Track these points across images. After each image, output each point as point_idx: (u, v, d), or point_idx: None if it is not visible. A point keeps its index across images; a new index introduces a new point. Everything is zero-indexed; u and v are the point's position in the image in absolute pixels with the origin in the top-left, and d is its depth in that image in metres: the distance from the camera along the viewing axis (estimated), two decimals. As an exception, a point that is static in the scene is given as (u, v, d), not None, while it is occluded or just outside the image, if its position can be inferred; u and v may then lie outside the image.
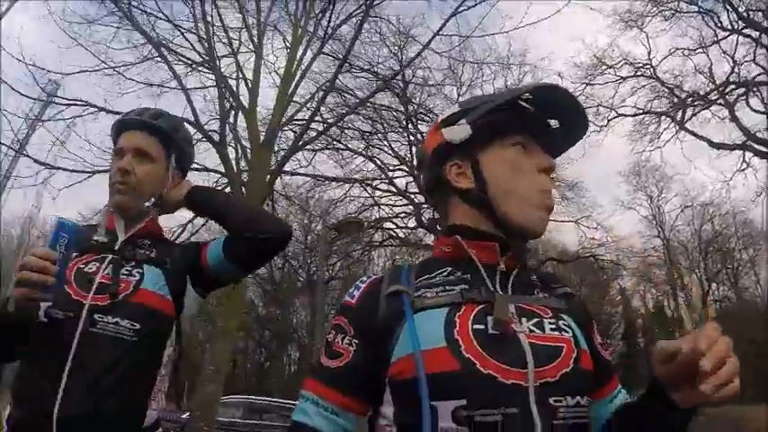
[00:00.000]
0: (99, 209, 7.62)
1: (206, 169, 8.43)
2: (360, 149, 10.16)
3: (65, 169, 7.46)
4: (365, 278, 1.04)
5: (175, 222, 8.15)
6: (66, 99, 7.74)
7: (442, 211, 1.08)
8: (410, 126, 10.52)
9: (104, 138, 7.52)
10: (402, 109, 10.09)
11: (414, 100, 10.25)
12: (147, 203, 1.44)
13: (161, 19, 8.12)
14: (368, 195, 10.43)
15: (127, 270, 1.33)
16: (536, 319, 0.88)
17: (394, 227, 11.78)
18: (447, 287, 0.92)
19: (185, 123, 6.02)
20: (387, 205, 10.72)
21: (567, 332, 0.89)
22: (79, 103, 7.55)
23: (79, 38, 7.80)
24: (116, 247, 1.38)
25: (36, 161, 7.32)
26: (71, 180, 7.40)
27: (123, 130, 1.46)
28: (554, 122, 1.04)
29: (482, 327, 0.85)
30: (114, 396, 1.23)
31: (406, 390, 0.85)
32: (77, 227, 1.22)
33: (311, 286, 20.18)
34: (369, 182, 10.19)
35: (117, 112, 7.32)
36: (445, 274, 0.95)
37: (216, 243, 1.44)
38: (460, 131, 0.99)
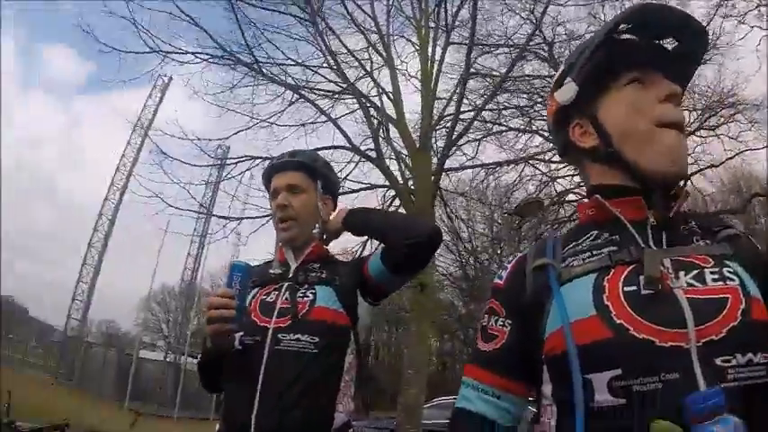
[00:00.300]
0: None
1: (372, 186, 8.89)
2: (522, 126, 9.76)
3: (247, 218, 8.54)
4: (511, 258, 1.04)
5: (357, 241, 8.82)
6: (233, 158, 8.84)
7: (582, 174, 1.05)
8: (567, 87, 9.66)
9: None
10: (553, 72, 9.25)
11: (562, 59, 9.44)
12: (313, 231, 1.67)
13: (291, 65, 8.89)
14: (541, 172, 9.95)
15: (302, 293, 1.52)
16: (695, 271, 0.80)
17: (577, 198, 11.07)
18: (594, 252, 0.88)
19: (340, 148, 6.50)
20: (565, 177, 10.08)
21: (734, 280, 0.78)
22: (245, 158, 8.56)
23: (227, 104, 8.94)
24: (290, 275, 1.58)
25: (222, 217, 8.60)
26: (255, 225, 8.42)
27: (272, 175, 1.69)
28: (668, 43, 0.95)
29: (634, 288, 0.80)
30: (300, 405, 1.38)
31: (559, 365, 0.82)
32: (247, 265, 1.44)
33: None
34: (539, 157, 9.73)
35: (275, 157, 8.34)
36: (592, 238, 0.91)
37: (375, 256, 1.56)
38: (567, 91, 0.97)
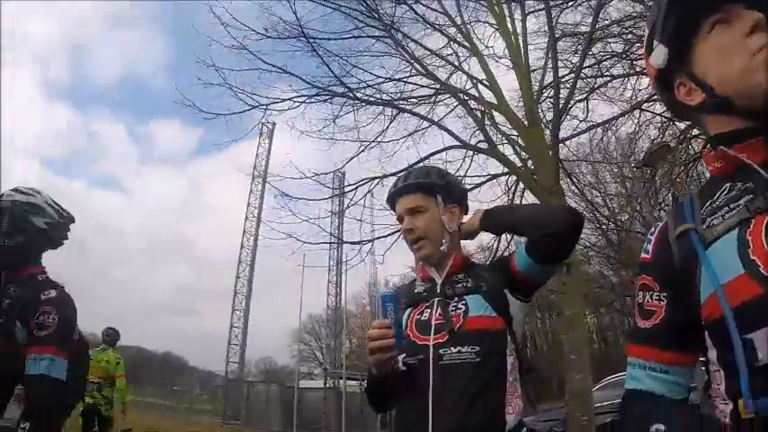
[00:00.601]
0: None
1: (492, 176, 8.81)
2: (625, 72, 9.11)
3: (378, 238, 8.80)
4: (653, 229, 1.03)
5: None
6: (352, 184, 9.11)
7: (702, 129, 1.03)
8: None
9: None
10: (641, 8, 8.70)
11: (646, -8, 8.80)
12: (442, 247, 1.69)
13: (382, 82, 9.07)
14: (658, 113, 9.27)
15: (453, 305, 1.58)
16: None
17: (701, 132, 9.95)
18: (731, 205, 0.85)
19: (452, 148, 6.45)
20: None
21: None
22: (363, 181, 8.82)
23: (334, 135, 9.25)
24: (438, 290, 1.66)
25: (354, 243, 8.95)
26: (388, 243, 8.69)
27: (395, 201, 1.78)
28: None
29: None
30: (473, 414, 1.44)
31: (718, 329, 0.82)
32: (394, 294, 1.58)
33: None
34: (653, 101, 9.09)
35: (394, 173, 8.46)
36: (726, 191, 0.88)
37: (520, 250, 1.59)
38: (658, 55, 0.98)
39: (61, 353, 1.84)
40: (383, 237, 8.64)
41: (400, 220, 1.75)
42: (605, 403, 8.69)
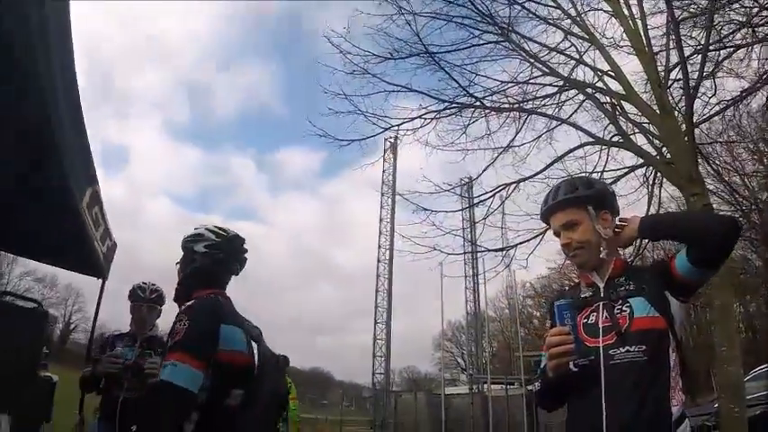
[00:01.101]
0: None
1: (630, 169, 8.71)
2: (749, 41, 8.34)
3: (520, 243, 8.79)
4: None
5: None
6: (489, 191, 9.20)
7: None
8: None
9: (529, 201, 8.78)
10: None
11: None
12: (601, 254, 1.83)
13: (509, 87, 9.23)
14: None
15: (618, 308, 1.73)
16: None
17: None
18: None
19: (586, 145, 6.58)
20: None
21: None
22: (500, 188, 8.94)
23: (466, 145, 9.44)
24: (602, 294, 1.80)
25: (497, 250, 9.14)
26: (530, 247, 8.72)
27: (549, 217, 1.95)
28: None
29: None
30: (643, 409, 1.57)
31: None
32: (567, 302, 1.74)
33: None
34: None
35: (528, 177, 8.72)
36: None
37: (680, 255, 1.69)
38: None
39: (187, 359, 1.81)
40: (525, 242, 8.71)
41: (557, 235, 1.92)
42: (756, 395, 8.34)
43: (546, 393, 1.85)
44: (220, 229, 2.29)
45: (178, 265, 2.28)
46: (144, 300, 3.75)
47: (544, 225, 8.33)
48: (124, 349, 3.60)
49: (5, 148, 2.90)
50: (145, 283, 3.82)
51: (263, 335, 2.28)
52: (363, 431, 30.25)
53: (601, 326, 1.72)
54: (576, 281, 2.00)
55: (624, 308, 1.71)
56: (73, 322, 44.40)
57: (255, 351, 2.14)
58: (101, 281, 5.19)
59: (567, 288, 2.24)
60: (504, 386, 25.69)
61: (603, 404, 1.61)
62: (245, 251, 2.36)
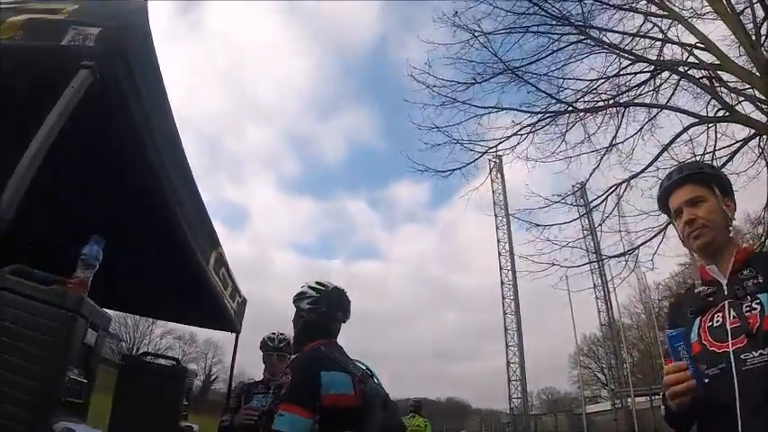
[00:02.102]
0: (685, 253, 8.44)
1: (743, 142, 8.12)
2: None
3: (642, 244, 8.50)
4: None
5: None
6: (600, 195, 9.02)
7: None
8: None
9: (644, 198, 8.46)
10: None
11: None
12: (731, 233, 1.68)
13: (600, 84, 9.10)
14: None
15: (747, 306, 1.50)
16: None
17: None
18: None
19: (693, 126, 7.34)
20: None
21: None
22: (611, 189, 8.75)
23: (568, 152, 9.28)
24: (725, 292, 1.59)
25: (618, 255, 8.93)
26: (653, 246, 8.39)
27: (668, 198, 1.77)
28: None
29: None
30: None
31: None
32: (679, 332, 1.54)
33: None
34: None
35: (639, 173, 8.43)
36: None
37: None
38: None
39: (292, 408, 2.05)
40: (647, 241, 8.40)
41: (678, 214, 1.72)
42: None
43: (672, 420, 1.68)
44: (319, 284, 2.54)
45: (293, 323, 2.53)
46: (274, 349, 4.01)
47: (664, 221, 7.87)
48: (259, 399, 3.87)
49: (136, 226, 3.39)
50: (274, 334, 4.07)
51: (374, 374, 2.42)
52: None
53: (729, 328, 1.51)
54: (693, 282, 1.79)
55: (754, 305, 1.49)
56: (213, 374, 47.80)
57: (362, 392, 2.23)
58: (234, 334, 5.71)
59: (682, 292, 1.97)
60: (648, 398, 23.91)
61: (739, 416, 1.41)
62: (347, 299, 2.58)
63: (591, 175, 9.28)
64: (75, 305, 2.38)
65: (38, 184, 1.91)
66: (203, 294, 4.45)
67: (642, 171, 8.52)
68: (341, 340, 2.51)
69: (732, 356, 1.46)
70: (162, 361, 5.19)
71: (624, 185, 8.65)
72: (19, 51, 2.23)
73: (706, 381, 1.48)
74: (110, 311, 2.74)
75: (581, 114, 9.08)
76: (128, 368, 4.59)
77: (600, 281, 30.90)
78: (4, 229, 1.85)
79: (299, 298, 2.48)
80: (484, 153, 9.54)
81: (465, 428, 39.59)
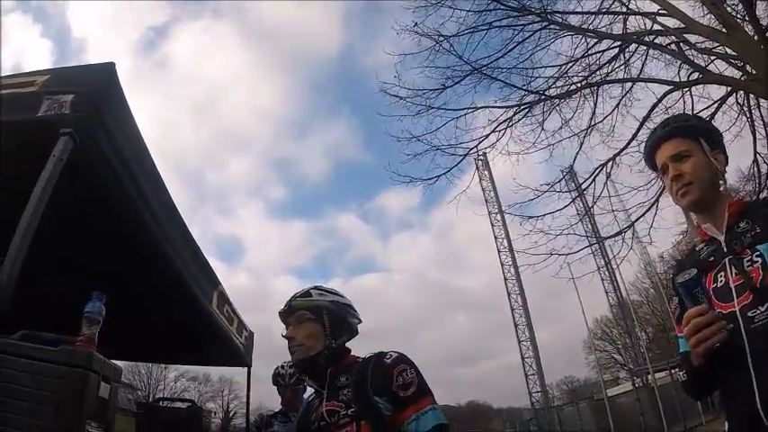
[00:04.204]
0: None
1: (720, 102, 8.19)
2: None
3: (635, 221, 8.56)
4: None
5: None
6: (587, 177, 9.08)
7: None
8: None
9: (632, 175, 8.56)
10: None
11: None
12: (721, 188, 1.61)
13: (567, 69, 9.19)
14: None
15: (748, 261, 1.44)
16: None
17: None
18: None
19: (665, 96, 7.30)
20: None
21: None
22: (597, 170, 8.80)
23: (549, 140, 9.30)
24: (725, 249, 1.52)
25: (613, 236, 9.06)
26: (648, 220, 8.42)
27: (654, 153, 1.71)
28: None
29: None
30: None
31: None
32: (692, 277, 1.46)
33: None
34: None
35: (623, 149, 8.38)
36: None
37: None
38: None
39: (434, 400, 1.79)
40: (641, 216, 8.47)
41: (665, 169, 1.66)
42: None
43: (693, 382, 1.62)
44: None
45: (311, 325, 1.96)
46: (285, 386, 3.95)
47: (654, 194, 7.89)
48: (280, 427, 3.91)
49: (134, 277, 3.47)
50: (283, 368, 3.96)
51: None
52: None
53: (732, 286, 1.45)
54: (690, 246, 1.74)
55: (755, 257, 1.42)
56: (231, 410, 47.27)
57: None
58: (246, 369, 5.76)
59: (682, 256, 1.89)
60: (668, 372, 23.90)
61: (753, 377, 1.33)
62: None
63: (575, 159, 9.34)
64: (86, 362, 2.46)
65: (33, 254, 1.98)
66: (211, 334, 4.52)
67: (625, 147, 8.59)
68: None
69: (739, 315, 1.40)
70: (178, 404, 5.24)
71: (610, 164, 8.73)
72: None
73: (718, 344, 1.37)
74: (121, 363, 2.81)
75: (555, 101, 9.14)
76: (145, 415, 4.66)
77: (602, 262, 31.00)
78: (7, 307, 1.91)
79: (347, 311, 2.04)
80: (465, 155, 9.62)
81: (489, 430, 39.35)
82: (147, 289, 3.74)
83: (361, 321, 2.09)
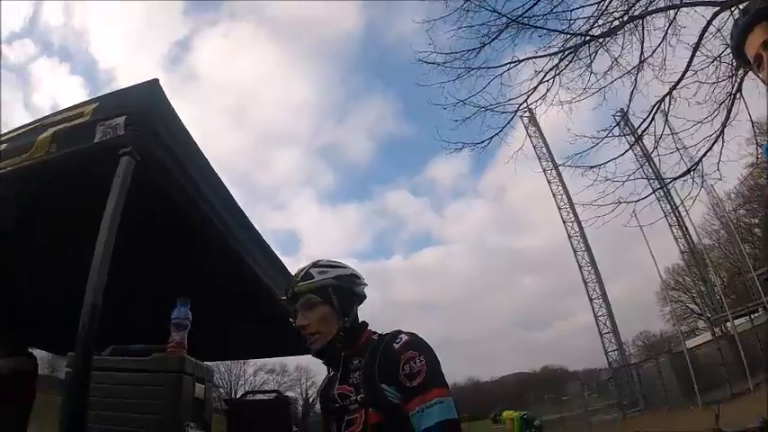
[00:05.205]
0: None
1: None
2: None
3: (703, 156, 8.07)
4: None
5: None
6: (644, 118, 8.64)
7: None
8: None
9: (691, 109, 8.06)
10: None
11: None
12: None
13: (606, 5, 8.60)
14: None
15: None
16: None
17: None
18: None
19: None
20: None
21: None
22: (653, 108, 8.39)
23: (602, 84, 8.90)
24: None
25: (680, 176, 8.52)
26: (715, 155, 7.96)
27: (742, 45, 1.47)
28: None
29: None
30: None
31: None
32: None
33: None
34: None
35: (677, 82, 7.95)
36: None
37: None
38: None
39: (446, 393, 1.63)
40: (708, 151, 7.94)
41: (758, 60, 1.43)
42: None
43: None
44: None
45: (321, 308, 1.81)
46: None
47: (718, 127, 7.31)
48: None
49: (215, 281, 3.59)
50: None
51: None
52: (612, 416, 28.55)
53: None
54: None
55: None
56: (310, 396, 49.04)
57: None
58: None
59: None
60: (748, 318, 22.77)
61: None
62: None
63: (631, 98, 8.76)
64: (179, 366, 2.58)
65: (112, 271, 2.05)
66: (288, 326, 4.61)
67: (680, 79, 8.05)
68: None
69: None
70: (263, 396, 5.42)
71: (667, 99, 8.21)
72: (58, 163, 2.38)
73: None
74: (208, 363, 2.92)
75: (599, 41, 8.62)
76: (234, 411, 4.83)
77: (669, 207, 29.67)
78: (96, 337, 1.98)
79: (353, 281, 1.89)
80: (516, 111, 9.27)
81: (567, 395, 38.73)
82: (228, 291, 3.84)
83: (367, 285, 1.95)
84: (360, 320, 1.89)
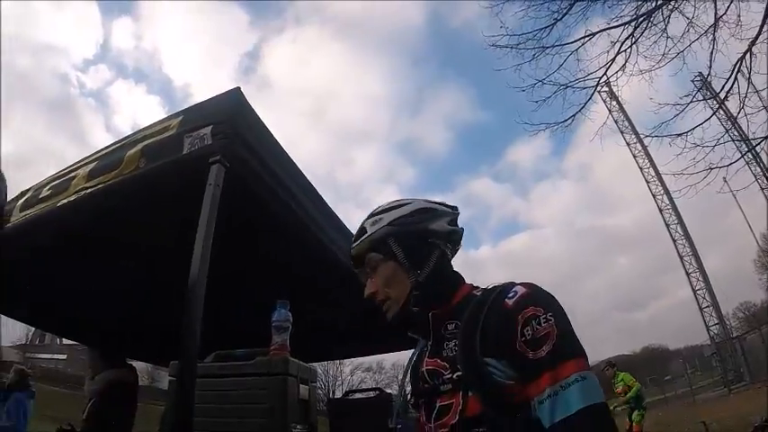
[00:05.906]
0: None
1: None
2: None
3: None
4: None
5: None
6: (726, 78, 8.06)
7: None
8: None
9: None
10: None
11: None
12: None
13: None
14: None
15: None
16: None
17: None
18: None
19: None
20: None
21: None
22: (735, 66, 7.82)
23: (680, 48, 8.53)
24: None
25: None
26: None
27: None
28: None
29: None
30: None
31: None
32: None
33: None
34: None
35: (756, 36, 7.44)
36: None
37: None
38: None
39: (586, 364, 1.10)
40: None
41: None
42: None
43: None
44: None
45: (385, 267, 1.40)
46: None
47: None
48: None
49: (310, 286, 3.59)
50: None
51: None
52: (718, 393, 26.72)
53: None
54: None
55: None
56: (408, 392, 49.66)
57: None
58: (415, 353, 5.88)
59: None
60: None
61: None
62: None
63: (711, 59, 8.19)
64: (282, 368, 2.56)
65: (211, 277, 2.04)
66: (383, 323, 4.60)
67: (759, 35, 7.52)
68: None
69: None
70: (362, 395, 5.43)
71: (747, 57, 7.66)
72: (148, 176, 2.42)
73: None
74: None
75: (673, 3, 8.24)
76: (336, 410, 4.85)
77: (759, 169, 27.37)
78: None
79: (422, 218, 1.41)
80: (597, 85, 9.03)
81: (669, 374, 36.74)
82: (325, 291, 3.83)
83: (453, 213, 1.46)
84: (452, 269, 1.43)
